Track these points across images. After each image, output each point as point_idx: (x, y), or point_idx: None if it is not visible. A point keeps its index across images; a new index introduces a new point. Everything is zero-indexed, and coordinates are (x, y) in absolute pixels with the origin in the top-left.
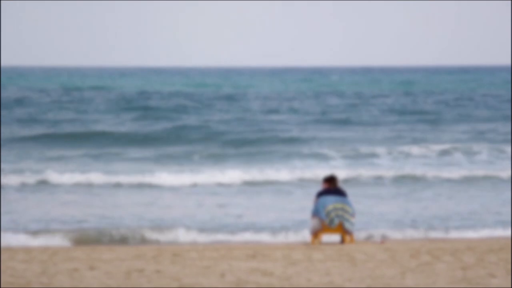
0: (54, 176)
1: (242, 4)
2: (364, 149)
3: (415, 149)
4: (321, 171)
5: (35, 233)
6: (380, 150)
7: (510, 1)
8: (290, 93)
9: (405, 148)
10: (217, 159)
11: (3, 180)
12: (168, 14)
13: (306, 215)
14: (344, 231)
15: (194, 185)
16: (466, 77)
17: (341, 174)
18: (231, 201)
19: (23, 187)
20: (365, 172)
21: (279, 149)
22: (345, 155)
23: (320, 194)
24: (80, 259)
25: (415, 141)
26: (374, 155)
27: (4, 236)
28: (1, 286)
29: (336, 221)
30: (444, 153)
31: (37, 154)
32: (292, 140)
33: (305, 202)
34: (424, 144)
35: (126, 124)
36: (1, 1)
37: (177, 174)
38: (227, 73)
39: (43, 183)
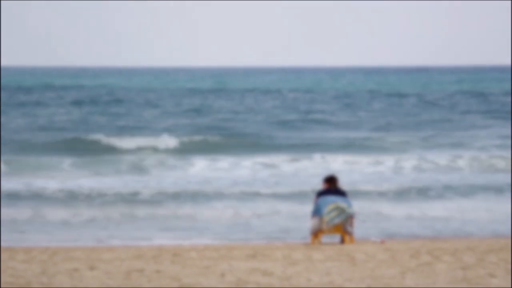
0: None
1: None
2: None
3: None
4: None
5: None
6: None
7: (510, 1)
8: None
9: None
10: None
11: None
12: (167, 15)
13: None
14: (344, 231)
15: None
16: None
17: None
18: None
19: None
20: None
21: None
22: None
23: (320, 194)
24: (80, 259)
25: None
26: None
27: None
28: (1, 286)
29: (335, 221)
30: None
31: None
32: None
33: None
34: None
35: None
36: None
37: None
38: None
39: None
